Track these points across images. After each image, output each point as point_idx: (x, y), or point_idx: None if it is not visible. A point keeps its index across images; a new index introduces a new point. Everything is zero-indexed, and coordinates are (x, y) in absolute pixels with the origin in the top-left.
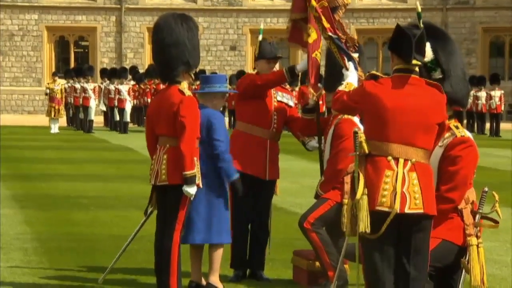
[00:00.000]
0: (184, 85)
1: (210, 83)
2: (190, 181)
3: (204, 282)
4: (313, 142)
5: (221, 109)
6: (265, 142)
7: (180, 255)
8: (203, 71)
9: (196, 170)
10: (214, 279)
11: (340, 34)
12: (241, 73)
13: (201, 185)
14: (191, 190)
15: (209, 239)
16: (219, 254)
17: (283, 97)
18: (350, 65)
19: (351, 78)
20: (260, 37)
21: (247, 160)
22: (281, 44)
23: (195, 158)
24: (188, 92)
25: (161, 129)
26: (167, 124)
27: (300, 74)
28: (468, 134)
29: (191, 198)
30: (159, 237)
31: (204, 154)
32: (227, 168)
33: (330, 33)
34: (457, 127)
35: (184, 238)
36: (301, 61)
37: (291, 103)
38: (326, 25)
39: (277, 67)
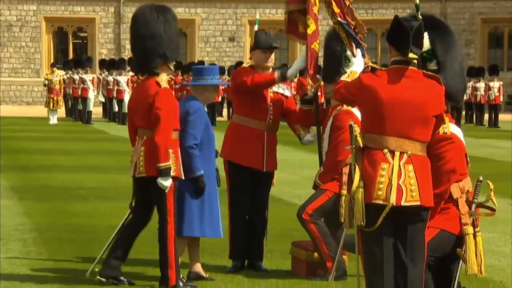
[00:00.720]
0: (162, 77)
1: (202, 75)
2: (164, 173)
3: (204, 273)
4: (308, 136)
5: (215, 100)
6: (262, 134)
7: (176, 247)
8: (201, 62)
9: (171, 162)
10: (198, 268)
11: (349, 20)
12: (239, 64)
13: (182, 176)
14: (165, 182)
15: (203, 233)
16: (184, 246)
17: (279, 88)
18: (357, 52)
19: (356, 66)
20: (256, 28)
21: (244, 153)
22: (279, 35)
23: (170, 150)
24: (164, 84)
25: (139, 121)
26: (144, 116)
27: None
28: (453, 129)
29: (167, 191)
30: (131, 228)
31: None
32: (191, 163)
33: (339, 18)
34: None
35: (178, 230)
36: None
37: (288, 93)
38: (336, 10)
39: (273, 57)
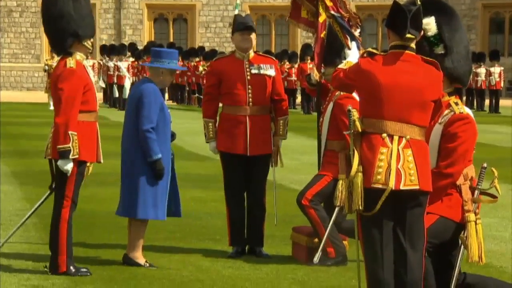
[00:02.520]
0: (74, 57)
1: (159, 57)
2: (63, 155)
3: (141, 261)
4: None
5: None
6: (243, 119)
7: (69, 233)
8: (202, 48)
9: (72, 145)
10: (136, 254)
11: (342, 13)
12: (214, 51)
13: (94, 160)
14: (64, 165)
15: (133, 214)
16: (141, 230)
17: (259, 69)
18: (352, 44)
19: (352, 57)
20: (236, 12)
21: (228, 140)
22: (279, 21)
23: (72, 132)
24: (71, 64)
25: (53, 103)
26: (54, 98)
27: (299, 52)
28: (467, 110)
29: (68, 174)
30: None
31: (127, 129)
32: (147, 147)
33: (332, 12)
34: (456, 104)
35: (131, 213)
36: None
37: (271, 73)
38: (329, 3)
39: (251, 39)
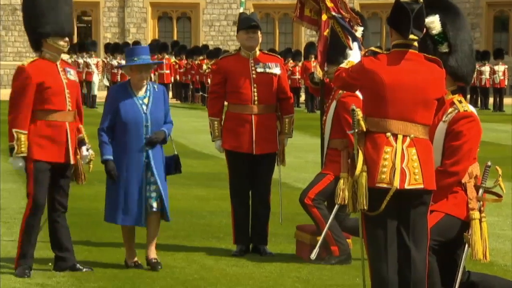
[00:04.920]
0: (43, 55)
1: (128, 56)
2: (10, 152)
3: (135, 260)
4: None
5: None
6: (249, 117)
7: (26, 233)
8: (206, 46)
9: (17, 143)
10: (125, 256)
11: (343, 13)
12: (218, 50)
13: (46, 159)
14: (13, 162)
15: (114, 220)
16: (123, 232)
17: (265, 68)
18: (354, 45)
19: (353, 57)
20: (241, 10)
21: (234, 139)
22: (283, 19)
23: (18, 130)
24: (23, 63)
25: None
26: None
27: (303, 50)
28: (471, 108)
29: (22, 171)
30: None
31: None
32: (99, 147)
33: (333, 13)
34: (460, 102)
35: (105, 216)
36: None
37: (276, 71)
38: (330, 4)
39: (256, 37)
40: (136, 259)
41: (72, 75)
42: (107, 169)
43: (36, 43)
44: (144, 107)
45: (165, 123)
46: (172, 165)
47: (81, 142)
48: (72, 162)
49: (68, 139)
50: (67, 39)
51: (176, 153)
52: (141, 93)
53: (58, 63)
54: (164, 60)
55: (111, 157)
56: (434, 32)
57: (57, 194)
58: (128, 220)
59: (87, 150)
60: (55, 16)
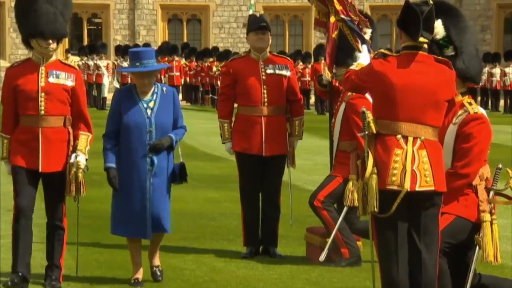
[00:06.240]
0: (31, 56)
1: (131, 59)
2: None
3: (136, 277)
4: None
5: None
6: (259, 119)
7: (15, 239)
8: (216, 48)
9: (0, 147)
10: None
11: (352, 16)
12: (228, 52)
13: (21, 164)
14: (4, 165)
15: (114, 231)
16: (128, 244)
17: (275, 69)
18: (363, 47)
19: (363, 59)
20: (251, 12)
21: (245, 141)
22: (293, 21)
23: (0, 134)
24: (8, 64)
25: None
26: None
27: (313, 52)
28: (481, 110)
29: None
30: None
31: None
32: (103, 154)
33: (342, 16)
34: (470, 104)
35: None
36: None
37: (286, 73)
38: (339, 7)
39: (266, 39)
40: (137, 275)
41: (63, 78)
42: (108, 177)
43: (26, 44)
44: (149, 111)
45: (176, 128)
46: (177, 174)
47: (74, 150)
48: (40, 170)
49: (39, 145)
50: (50, 41)
51: (182, 161)
52: (147, 96)
53: (43, 65)
54: (174, 63)
55: (113, 165)
56: (438, 37)
57: (46, 204)
58: (131, 232)
59: (76, 157)
60: (35, 17)
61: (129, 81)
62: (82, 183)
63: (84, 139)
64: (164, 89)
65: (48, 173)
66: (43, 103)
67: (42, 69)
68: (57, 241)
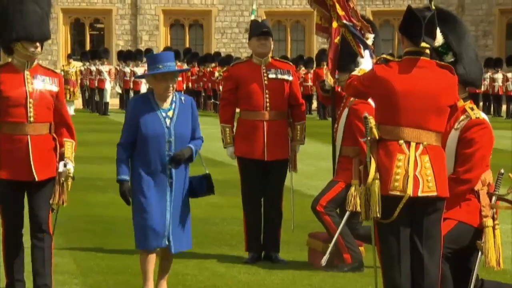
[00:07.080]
0: (11, 61)
1: (151, 64)
2: None
3: None
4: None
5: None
6: (261, 124)
7: (5, 258)
8: (218, 54)
9: None
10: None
11: (355, 21)
12: (229, 57)
13: (12, 177)
14: None
15: (136, 245)
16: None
17: (277, 74)
18: (365, 53)
19: (365, 64)
20: (253, 17)
21: (247, 146)
22: (295, 26)
23: None
24: None
25: None
26: None
27: (315, 57)
28: (483, 115)
29: None
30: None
31: None
32: (116, 165)
33: (344, 21)
34: (472, 109)
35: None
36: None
37: (288, 78)
38: (341, 12)
39: (268, 44)
40: None
41: (48, 83)
42: (120, 190)
43: (7, 48)
44: (168, 121)
45: (194, 139)
46: (204, 185)
47: (60, 158)
48: (36, 179)
49: (30, 154)
50: (37, 44)
51: (207, 172)
52: (166, 105)
53: (27, 70)
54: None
55: (126, 177)
56: (437, 44)
57: (30, 214)
58: (154, 242)
59: (65, 165)
60: (21, 19)
61: (131, 86)
62: (66, 192)
63: (70, 146)
64: (183, 98)
65: (37, 181)
66: (32, 109)
67: (27, 74)
68: (47, 249)
